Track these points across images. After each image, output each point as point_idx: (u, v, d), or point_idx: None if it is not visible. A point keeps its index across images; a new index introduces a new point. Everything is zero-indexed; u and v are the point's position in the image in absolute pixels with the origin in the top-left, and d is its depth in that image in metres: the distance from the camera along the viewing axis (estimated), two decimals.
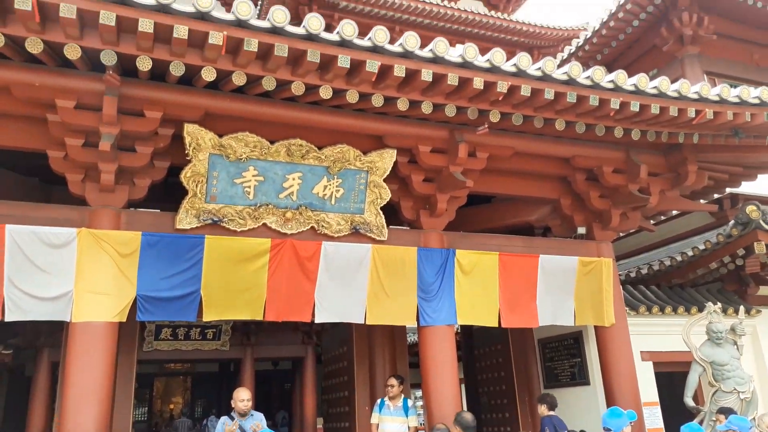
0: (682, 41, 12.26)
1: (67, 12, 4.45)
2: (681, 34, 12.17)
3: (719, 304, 7.98)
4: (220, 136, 6.12)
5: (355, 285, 6.87)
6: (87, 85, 5.38)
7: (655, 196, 8.22)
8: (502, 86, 5.99)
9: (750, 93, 6.99)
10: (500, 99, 6.20)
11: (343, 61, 5.37)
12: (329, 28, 5.60)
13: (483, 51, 5.99)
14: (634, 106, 6.54)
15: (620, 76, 6.41)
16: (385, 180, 7.01)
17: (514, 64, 5.97)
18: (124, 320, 5.82)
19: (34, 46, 4.80)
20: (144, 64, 5.07)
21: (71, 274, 5.65)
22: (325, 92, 5.73)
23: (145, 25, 4.65)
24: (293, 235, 6.70)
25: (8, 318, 5.43)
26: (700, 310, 8.59)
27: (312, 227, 6.80)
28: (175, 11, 4.72)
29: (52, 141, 5.74)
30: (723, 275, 9.94)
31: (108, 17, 4.53)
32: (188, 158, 6.05)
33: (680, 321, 8.38)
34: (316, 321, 6.70)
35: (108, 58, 4.98)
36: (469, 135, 6.87)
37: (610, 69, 7.16)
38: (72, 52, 4.89)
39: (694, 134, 7.55)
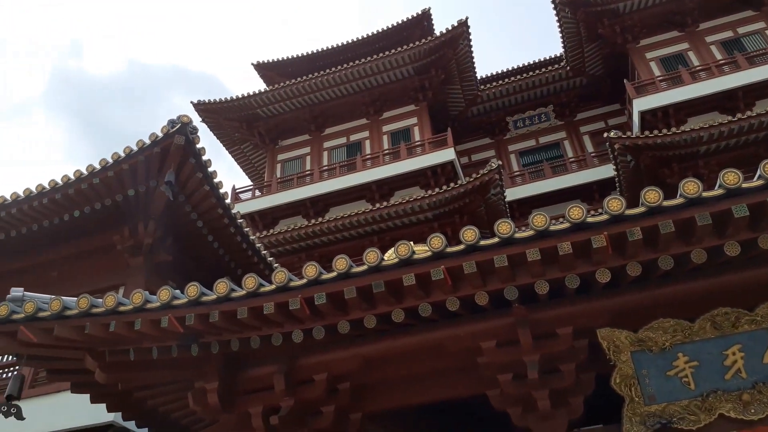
0: None
1: (469, 268, 5.13)
2: None
3: None
4: (635, 331, 5.82)
5: None
6: (500, 323, 5.87)
7: None
8: None
9: None
10: None
11: None
12: None
13: None
14: None
15: None
16: None
17: None
18: None
19: (452, 304, 5.56)
20: (541, 287, 5.36)
21: None
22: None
23: (532, 254, 5.01)
24: (761, 420, 5.54)
25: None
26: None
27: None
28: (554, 232, 5.00)
29: (485, 382, 6.21)
30: None
31: (501, 260, 5.04)
32: (611, 363, 5.82)
33: None
34: None
35: (510, 293, 5.43)
36: None
37: None
38: (481, 298, 5.50)
39: None
